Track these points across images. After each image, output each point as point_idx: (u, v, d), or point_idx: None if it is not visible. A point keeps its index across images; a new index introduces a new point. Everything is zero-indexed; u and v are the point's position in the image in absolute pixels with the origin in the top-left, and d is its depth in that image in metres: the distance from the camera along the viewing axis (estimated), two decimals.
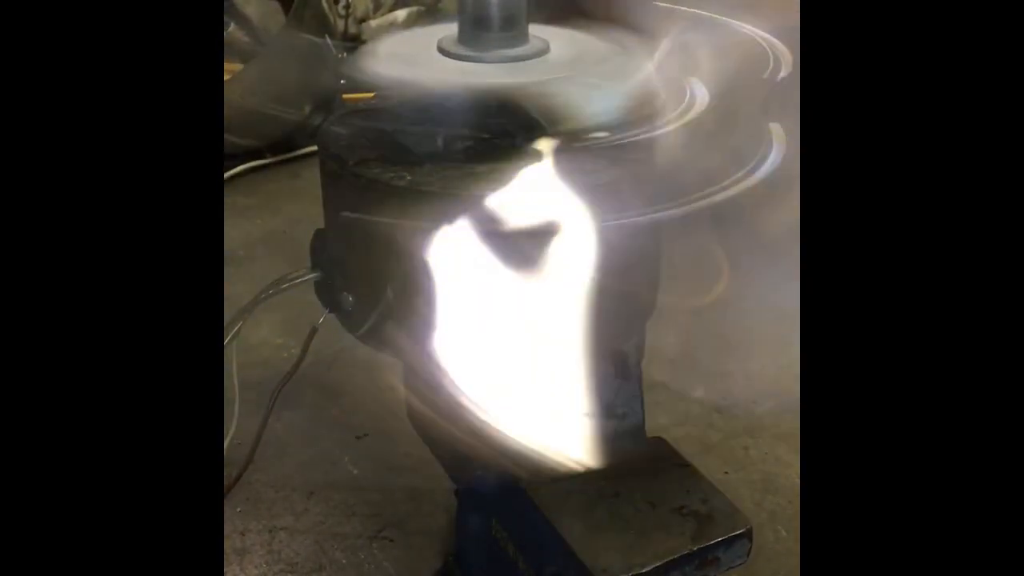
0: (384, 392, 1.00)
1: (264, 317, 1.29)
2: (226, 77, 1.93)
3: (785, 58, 0.72)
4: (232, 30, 2.09)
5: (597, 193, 0.68)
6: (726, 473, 1.04)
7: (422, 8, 2.17)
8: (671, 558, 0.65)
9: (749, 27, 0.77)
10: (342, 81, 1.90)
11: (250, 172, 1.82)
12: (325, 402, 1.16)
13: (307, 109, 1.92)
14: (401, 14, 2.13)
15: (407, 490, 1.03)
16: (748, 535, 0.68)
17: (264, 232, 1.63)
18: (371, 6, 2.12)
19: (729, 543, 0.67)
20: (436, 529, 0.98)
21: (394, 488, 1.03)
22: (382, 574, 0.94)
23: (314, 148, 1.75)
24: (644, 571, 0.64)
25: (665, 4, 0.78)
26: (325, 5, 1.93)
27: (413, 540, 0.97)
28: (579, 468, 0.69)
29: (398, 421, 0.88)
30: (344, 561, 0.95)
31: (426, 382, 0.78)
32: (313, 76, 1.90)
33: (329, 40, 1.88)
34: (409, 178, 0.67)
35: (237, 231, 1.61)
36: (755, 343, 1.12)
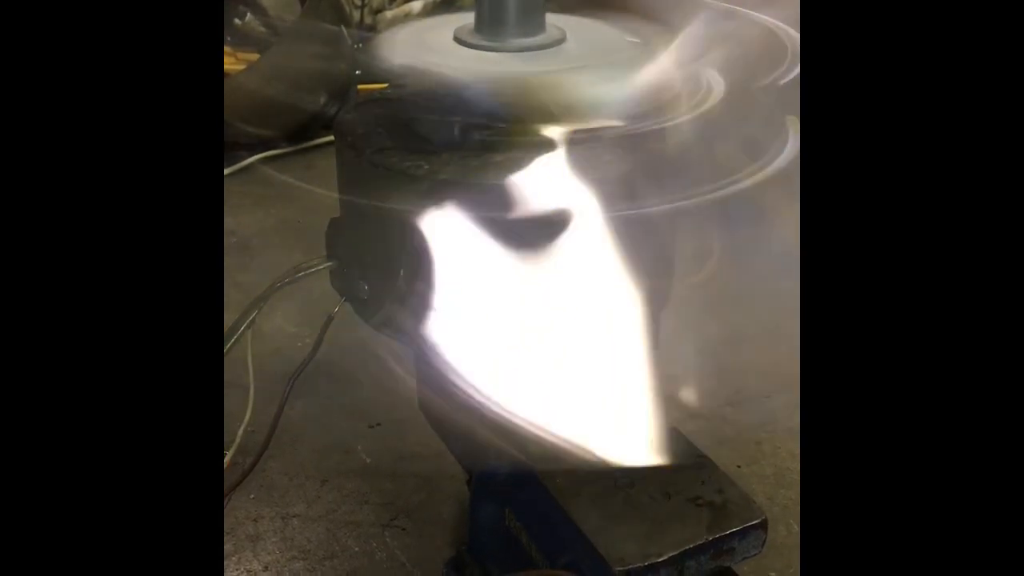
0: (397, 381, 1.01)
1: (279, 306, 1.29)
2: (241, 67, 1.93)
3: None
4: (248, 20, 2.10)
5: (612, 183, 0.68)
6: (739, 467, 1.04)
7: None
8: (687, 548, 0.65)
9: (768, 18, 0.77)
10: (357, 72, 1.90)
11: (265, 162, 1.83)
12: (339, 391, 1.16)
13: (322, 99, 1.92)
14: (416, 5, 2.13)
15: (420, 479, 1.03)
16: (763, 526, 0.68)
17: (279, 221, 1.63)
18: None
19: (744, 533, 0.67)
20: (448, 518, 0.98)
21: (407, 477, 1.04)
22: (394, 562, 0.94)
23: (329, 138, 1.76)
24: (660, 560, 0.64)
25: None
26: None
27: (425, 529, 0.97)
28: (594, 461, 0.69)
29: (411, 410, 0.89)
30: (356, 549, 0.96)
31: (437, 371, 0.79)
32: (329, 66, 1.90)
33: (345, 30, 1.89)
34: (426, 167, 0.67)
35: (252, 220, 1.62)
36: (768, 336, 1.12)
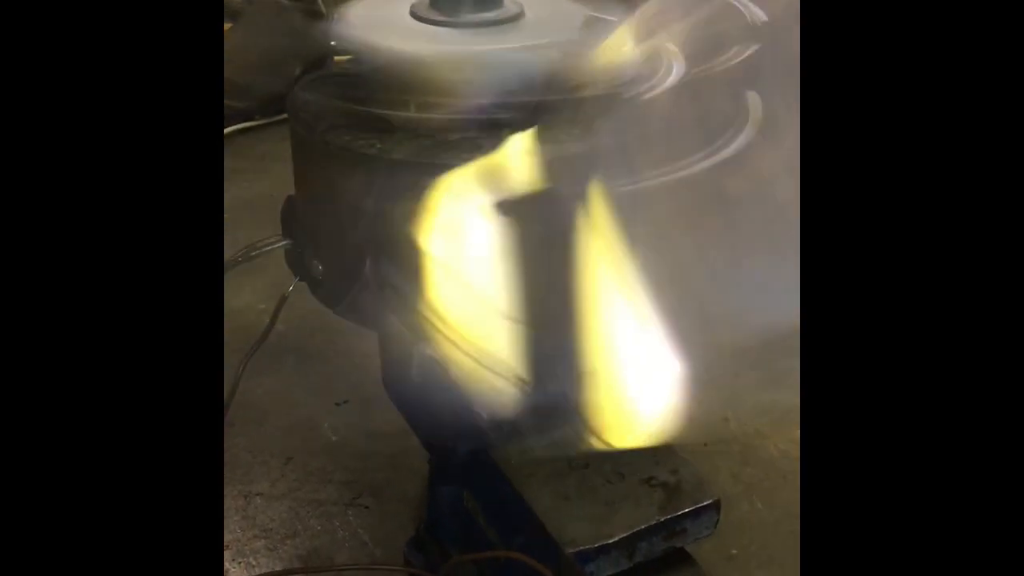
0: (365, 359, 1.00)
1: (247, 282, 1.28)
2: None
3: (763, 26, 0.71)
4: None
5: (573, 161, 0.67)
6: (705, 445, 1.04)
7: None
8: (638, 529, 0.65)
9: None
10: (333, 43, 1.88)
11: (240, 134, 1.80)
12: (306, 368, 1.16)
13: (297, 70, 1.89)
14: None
15: (385, 457, 1.03)
16: (716, 506, 0.67)
17: (252, 195, 1.61)
18: None
19: (697, 514, 0.67)
20: (413, 497, 0.98)
21: (373, 455, 1.03)
22: (356, 541, 0.94)
23: None
24: (611, 542, 0.64)
25: None
26: None
27: (389, 508, 0.97)
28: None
29: (378, 388, 0.88)
30: (318, 528, 0.95)
31: (401, 352, 0.78)
32: (303, 36, 1.87)
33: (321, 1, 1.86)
34: (379, 146, 0.66)
35: (225, 194, 1.60)
36: (739, 315, 1.11)
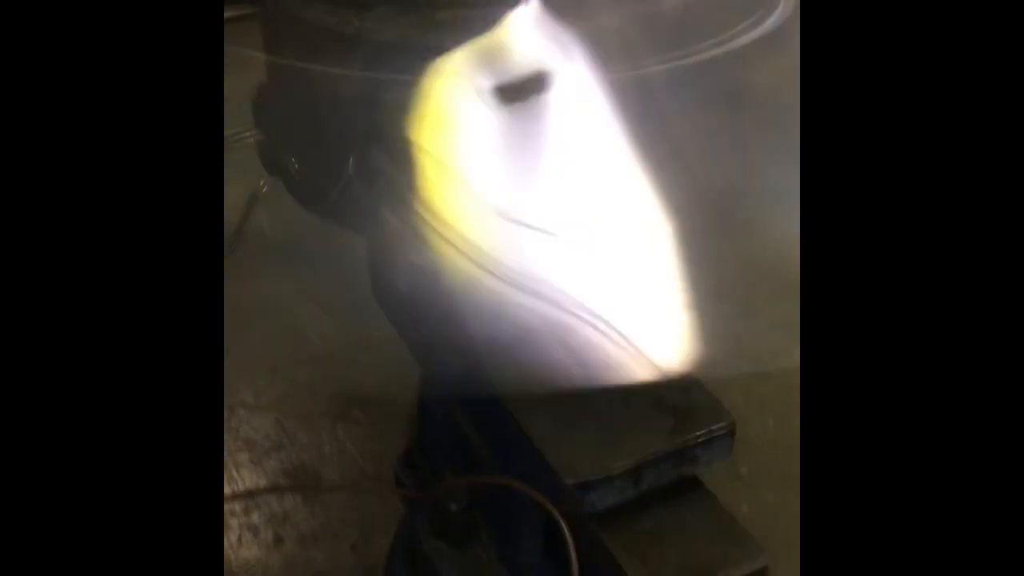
0: (356, 262, 0.94)
1: (232, 178, 1.21)
2: None
3: None
4: None
5: (588, 41, 0.59)
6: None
7: None
8: (645, 457, 0.59)
9: None
10: None
11: (237, 20, 1.70)
12: (293, 272, 1.10)
13: None
14: None
15: (376, 368, 0.97)
16: (730, 431, 0.62)
17: (251, 87, 1.52)
18: None
19: (709, 441, 0.61)
20: (404, 411, 0.92)
21: (363, 366, 0.98)
22: (344, 456, 0.89)
23: None
24: (615, 472, 0.58)
25: None
26: None
27: (379, 422, 0.92)
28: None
29: (371, 294, 0.82)
30: (305, 441, 0.91)
31: (388, 259, 0.72)
32: None
33: None
34: (358, 23, 0.59)
35: (225, 86, 1.51)
36: (754, 224, 1.05)
